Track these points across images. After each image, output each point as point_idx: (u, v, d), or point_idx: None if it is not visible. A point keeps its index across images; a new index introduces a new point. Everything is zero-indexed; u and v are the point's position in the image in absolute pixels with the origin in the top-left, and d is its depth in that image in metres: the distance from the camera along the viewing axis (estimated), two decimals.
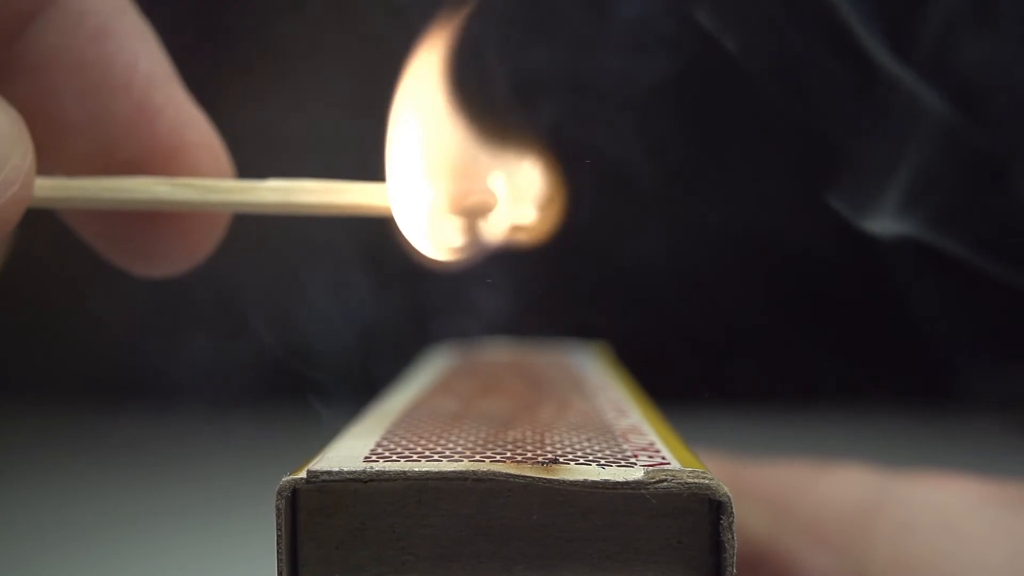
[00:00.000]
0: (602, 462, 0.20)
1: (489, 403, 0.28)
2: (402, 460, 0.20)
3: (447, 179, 0.25)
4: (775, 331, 0.98)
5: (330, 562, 0.20)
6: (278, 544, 0.19)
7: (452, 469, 0.19)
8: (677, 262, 0.97)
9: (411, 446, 0.21)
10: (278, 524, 0.19)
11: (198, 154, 0.26)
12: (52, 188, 0.25)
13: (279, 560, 0.19)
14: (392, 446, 0.21)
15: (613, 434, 0.23)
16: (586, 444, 0.22)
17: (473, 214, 0.25)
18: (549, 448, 0.21)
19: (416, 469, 0.19)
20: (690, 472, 0.19)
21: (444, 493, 0.20)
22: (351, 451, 0.21)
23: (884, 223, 0.38)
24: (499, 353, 0.42)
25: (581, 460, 0.20)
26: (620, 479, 0.19)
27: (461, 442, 0.22)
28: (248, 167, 0.27)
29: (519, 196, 0.26)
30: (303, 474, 0.19)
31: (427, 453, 0.20)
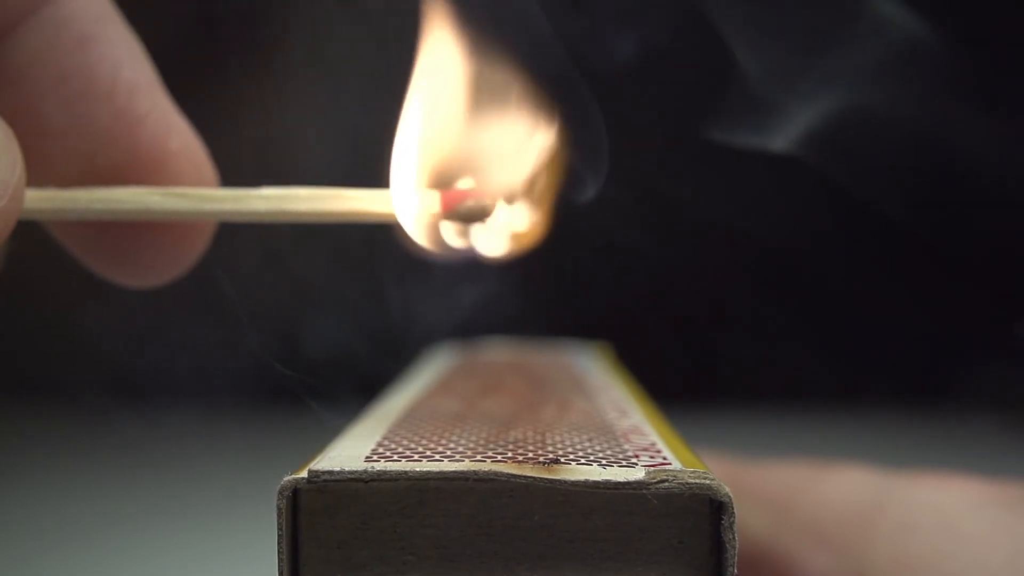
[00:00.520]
0: (603, 462, 0.20)
1: (490, 403, 0.28)
2: (403, 460, 0.20)
3: (446, 182, 0.25)
4: (775, 331, 0.98)
5: (331, 562, 0.20)
6: (279, 544, 0.19)
7: (453, 469, 0.19)
8: (677, 262, 0.97)
9: (412, 446, 0.21)
10: (279, 524, 0.19)
11: (180, 162, 0.26)
12: (43, 200, 0.24)
13: (280, 560, 0.19)
14: (393, 446, 0.21)
15: (614, 434, 0.23)
16: (587, 444, 0.22)
17: (471, 217, 0.25)
18: (550, 448, 0.21)
19: (417, 469, 0.19)
20: (691, 472, 0.19)
21: (445, 493, 0.20)
22: (352, 451, 0.21)
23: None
24: (500, 353, 0.42)
25: (582, 460, 0.20)
26: (621, 479, 0.19)
27: (462, 442, 0.22)
28: (239, 175, 0.27)
29: (519, 195, 0.26)
30: (304, 474, 0.19)
31: (428, 453, 0.20)
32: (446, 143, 0.25)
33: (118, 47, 0.26)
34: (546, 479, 0.19)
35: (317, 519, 0.20)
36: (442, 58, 0.25)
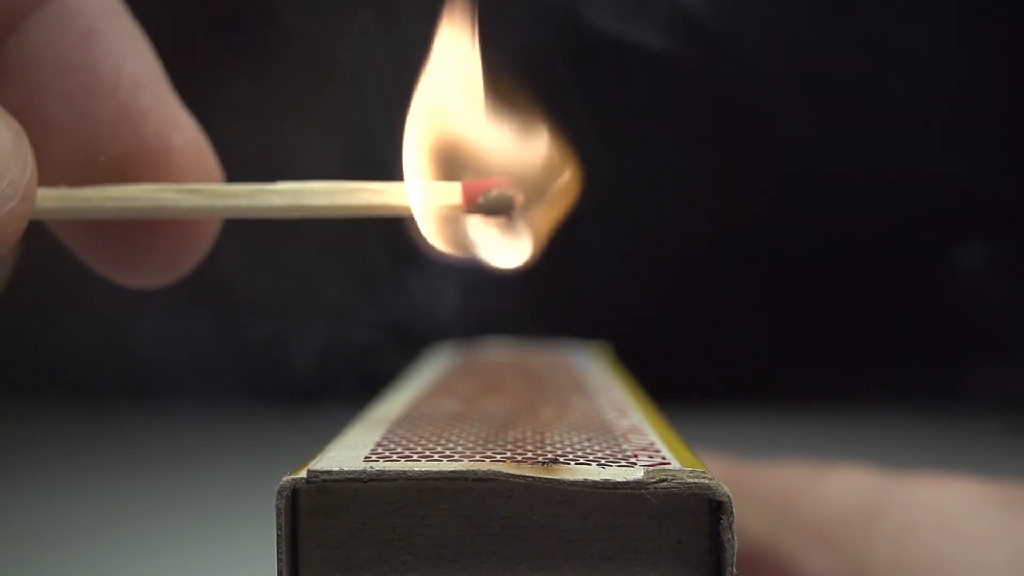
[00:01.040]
0: (602, 462, 0.20)
1: (489, 403, 0.28)
2: (402, 460, 0.20)
3: (465, 175, 0.24)
4: (775, 331, 0.98)
5: (330, 562, 0.20)
6: (278, 544, 0.19)
7: (452, 469, 0.19)
8: (677, 262, 0.97)
9: (411, 446, 0.21)
10: (278, 524, 0.19)
11: (184, 158, 0.26)
12: (54, 199, 0.24)
13: (279, 560, 0.19)
14: (392, 446, 0.21)
15: (613, 434, 0.23)
16: (586, 444, 0.22)
17: (497, 210, 0.24)
18: (549, 448, 0.21)
19: (416, 469, 0.19)
20: (690, 472, 0.19)
21: (444, 493, 0.20)
22: (351, 451, 0.21)
23: None
24: (499, 353, 0.42)
25: (581, 460, 0.20)
26: (620, 479, 0.19)
27: (461, 442, 0.22)
28: (245, 172, 0.26)
29: (538, 191, 0.25)
30: (303, 474, 0.19)
31: (427, 453, 0.20)
32: (464, 135, 0.25)
33: (123, 41, 0.26)
34: (545, 479, 0.19)
35: (316, 519, 0.20)
36: (456, 51, 0.25)
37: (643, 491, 0.19)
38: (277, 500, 0.19)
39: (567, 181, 0.25)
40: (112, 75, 0.25)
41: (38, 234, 0.25)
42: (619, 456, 0.21)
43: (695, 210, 0.98)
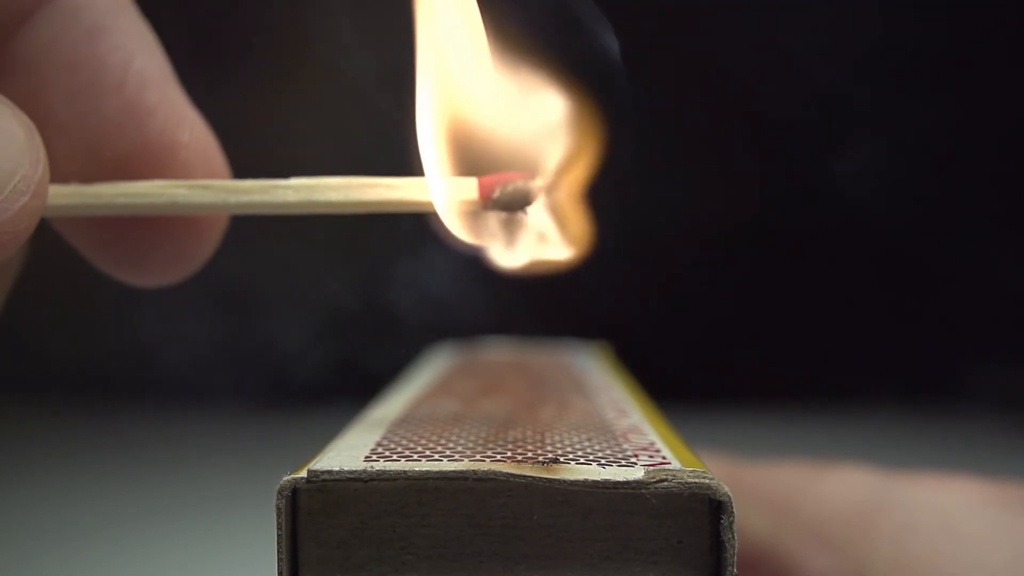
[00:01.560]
0: (602, 462, 0.20)
1: (489, 403, 0.28)
2: (402, 459, 0.20)
3: (484, 168, 0.24)
4: (775, 331, 0.98)
5: (330, 562, 0.20)
6: (278, 544, 0.19)
7: (452, 469, 0.19)
8: (677, 262, 0.97)
9: (411, 445, 0.21)
10: (278, 524, 0.19)
11: (190, 155, 0.25)
12: (65, 196, 0.24)
13: (279, 560, 0.19)
14: (392, 445, 0.21)
15: (613, 434, 0.23)
16: (586, 444, 0.22)
17: (514, 204, 0.23)
18: (549, 448, 0.21)
19: (416, 468, 0.19)
20: (690, 472, 0.19)
21: (444, 493, 0.20)
22: (351, 450, 0.21)
23: None
24: (499, 353, 0.42)
25: (581, 460, 0.20)
26: (620, 479, 0.19)
27: (461, 442, 0.22)
28: (252, 170, 0.26)
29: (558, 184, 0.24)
30: (303, 473, 0.19)
31: (427, 452, 0.20)
32: (480, 126, 0.24)
33: (130, 38, 0.25)
34: (545, 479, 0.19)
35: (316, 519, 0.20)
36: (467, 35, 0.24)
37: (643, 491, 0.19)
38: (277, 500, 0.19)
39: (583, 144, 0.25)
40: (119, 72, 0.25)
41: (37, 232, 0.25)
42: (619, 456, 0.21)
43: (695, 210, 0.98)
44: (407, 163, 0.24)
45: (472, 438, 0.22)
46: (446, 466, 0.19)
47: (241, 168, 0.26)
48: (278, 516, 0.19)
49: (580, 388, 0.31)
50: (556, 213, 0.25)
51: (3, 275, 0.26)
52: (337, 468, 0.19)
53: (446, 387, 0.31)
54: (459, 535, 0.20)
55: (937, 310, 0.96)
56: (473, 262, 0.26)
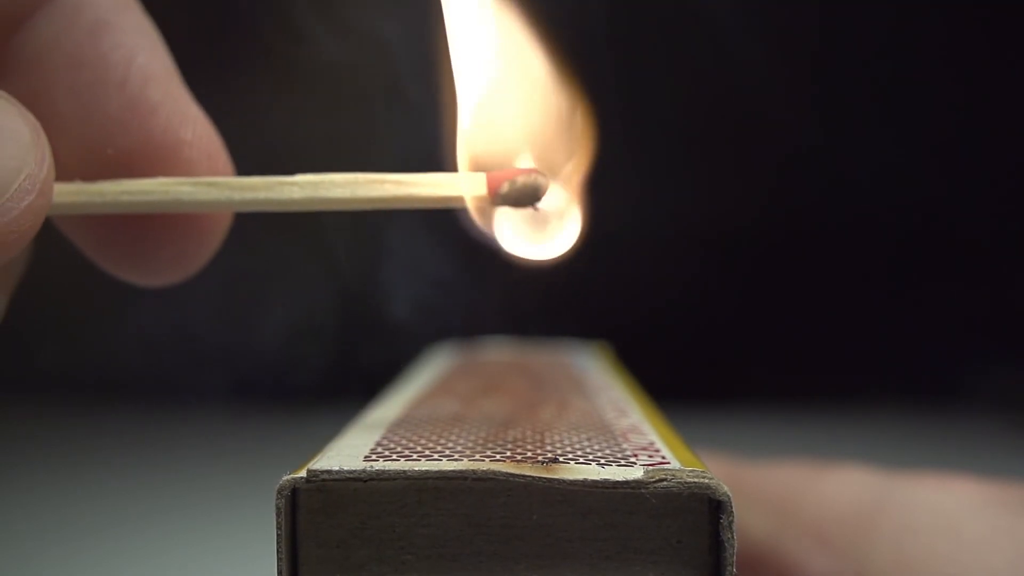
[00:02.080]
0: (602, 461, 0.20)
1: (489, 403, 0.27)
2: (402, 459, 0.20)
3: (493, 164, 0.24)
4: (775, 331, 0.98)
5: (330, 561, 0.20)
6: (278, 543, 0.19)
7: (452, 468, 0.19)
8: (677, 262, 0.97)
9: (411, 445, 0.21)
10: (278, 523, 0.19)
11: (193, 152, 0.25)
12: (69, 194, 0.24)
13: (279, 560, 0.19)
14: (392, 445, 0.21)
15: (613, 434, 0.23)
16: (586, 444, 0.22)
17: (523, 199, 0.23)
18: (549, 447, 0.21)
19: (416, 468, 0.19)
20: (690, 471, 0.19)
21: (444, 492, 0.20)
22: (351, 450, 0.21)
23: None
24: (499, 353, 0.42)
25: (581, 460, 0.20)
26: (620, 478, 0.19)
27: (461, 441, 0.22)
28: (252, 168, 0.26)
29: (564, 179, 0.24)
30: (303, 473, 0.19)
31: (427, 452, 0.20)
32: (489, 122, 0.24)
33: (133, 35, 0.25)
34: (544, 478, 0.19)
35: (316, 518, 0.20)
36: (480, 36, 0.24)
37: (643, 491, 0.19)
38: (277, 499, 0.19)
39: (581, 136, 0.25)
40: (121, 69, 0.25)
41: (40, 232, 0.25)
42: (619, 456, 0.21)
43: (696, 210, 0.98)
44: (413, 159, 0.24)
45: (472, 438, 0.22)
46: (445, 466, 0.19)
47: (244, 165, 0.26)
48: (278, 516, 0.19)
49: (580, 388, 0.31)
50: (563, 207, 0.25)
51: (8, 275, 0.26)
52: (337, 468, 0.19)
53: (446, 387, 0.31)
54: (458, 535, 0.20)
55: (937, 310, 0.96)
56: (473, 262, 0.26)
